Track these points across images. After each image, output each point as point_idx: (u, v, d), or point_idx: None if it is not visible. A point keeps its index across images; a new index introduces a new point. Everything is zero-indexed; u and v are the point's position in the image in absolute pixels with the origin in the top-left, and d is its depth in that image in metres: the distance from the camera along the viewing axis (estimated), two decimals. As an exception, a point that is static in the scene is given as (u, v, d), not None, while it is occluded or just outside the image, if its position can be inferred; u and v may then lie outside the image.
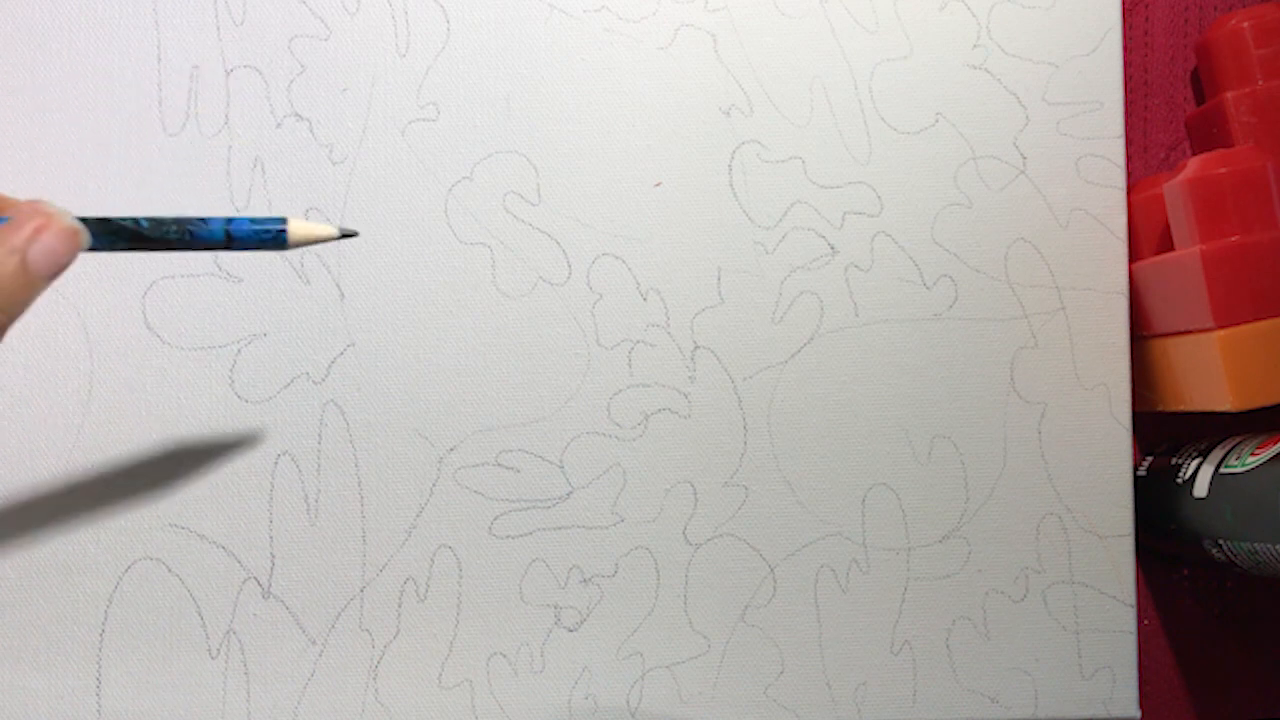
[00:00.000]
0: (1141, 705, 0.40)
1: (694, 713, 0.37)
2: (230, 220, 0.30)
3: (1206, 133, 0.40)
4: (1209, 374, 0.36)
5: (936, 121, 0.38)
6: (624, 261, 0.38)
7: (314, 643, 0.36)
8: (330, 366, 0.37)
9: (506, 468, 0.37)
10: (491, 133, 0.38)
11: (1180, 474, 0.38)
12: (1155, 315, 0.38)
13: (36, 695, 0.36)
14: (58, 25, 0.37)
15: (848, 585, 0.38)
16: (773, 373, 0.38)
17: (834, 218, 0.38)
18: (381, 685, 0.36)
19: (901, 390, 0.38)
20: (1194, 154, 0.42)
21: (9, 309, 0.27)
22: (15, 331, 0.36)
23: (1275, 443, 0.35)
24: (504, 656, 0.37)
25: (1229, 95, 0.39)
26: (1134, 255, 0.39)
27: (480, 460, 0.37)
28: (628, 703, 0.37)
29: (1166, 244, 0.39)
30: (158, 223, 0.30)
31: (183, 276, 0.37)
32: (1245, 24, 0.39)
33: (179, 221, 0.30)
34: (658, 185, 0.38)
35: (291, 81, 0.37)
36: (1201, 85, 0.42)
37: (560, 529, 0.37)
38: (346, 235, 0.32)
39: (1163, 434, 0.41)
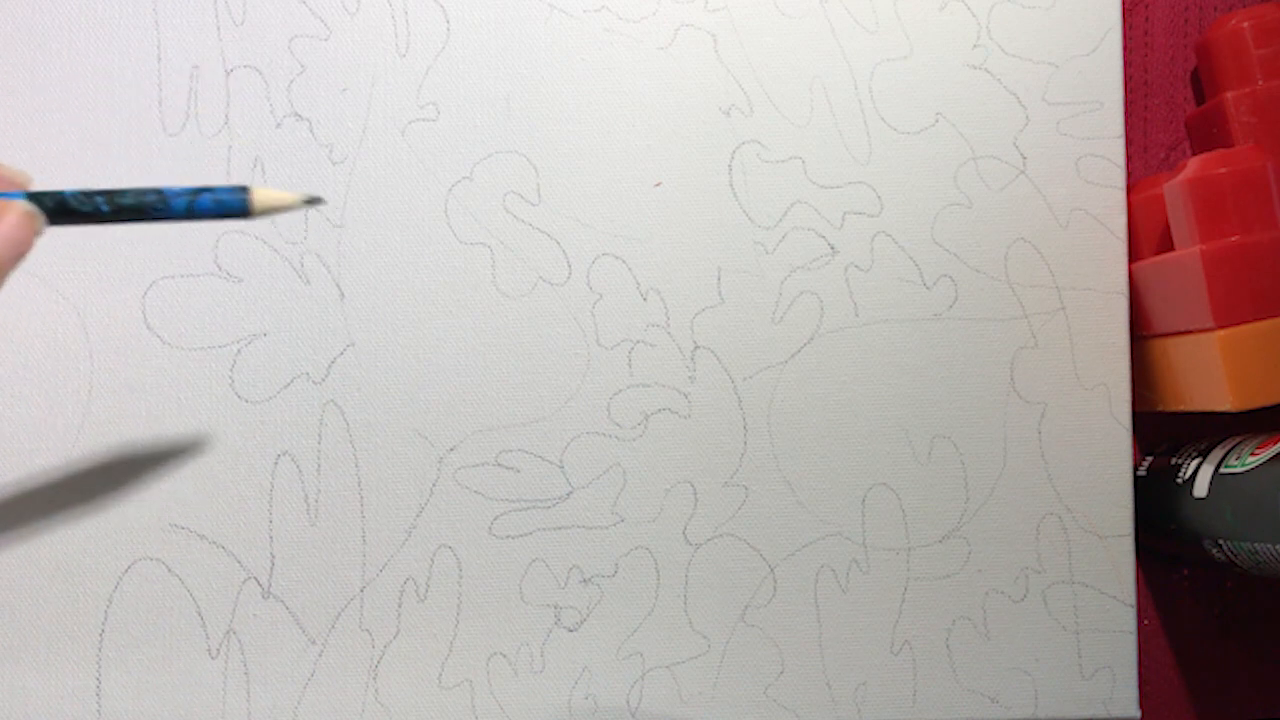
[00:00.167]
0: (1141, 705, 0.40)
1: (694, 713, 0.37)
2: (193, 194, 0.30)
3: (1206, 133, 0.40)
4: (1209, 374, 0.36)
5: (936, 121, 0.38)
6: (624, 261, 0.38)
7: (314, 643, 0.36)
8: (330, 366, 0.37)
9: (506, 468, 0.37)
10: (491, 133, 0.38)
11: (1180, 474, 0.38)
12: (1155, 315, 0.38)
13: (36, 695, 0.36)
14: (58, 25, 0.37)
15: (848, 585, 0.38)
16: (773, 373, 0.38)
17: (834, 218, 0.38)
18: (381, 685, 0.36)
19: (901, 390, 0.38)
20: (1194, 154, 0.42)
21: None
22: (15, 332, 0.36)
23: (1275, 443, 0.35)
24: (504, 656, 0.37)
25: (1229, 95, 0.39)
26: (1134, 255, 0.39)
27: (480, 460, 0.37)
28: (628, 703, 0.37)
29: (1166, 244, 0.39)
30: (115, 201, 0.29)
31: (183, 276, 0.37)
32: (1245, 24, 0.39)
33: (138, 200, 0.29)
34: (658, 185, 0.38)
35: (291, 81, 0.37)
36: (1201, 85, 0.42)
37: (560, 529, 0.37)
38: (311, 203, 0.31)
39: (1163, 434, 0.41)
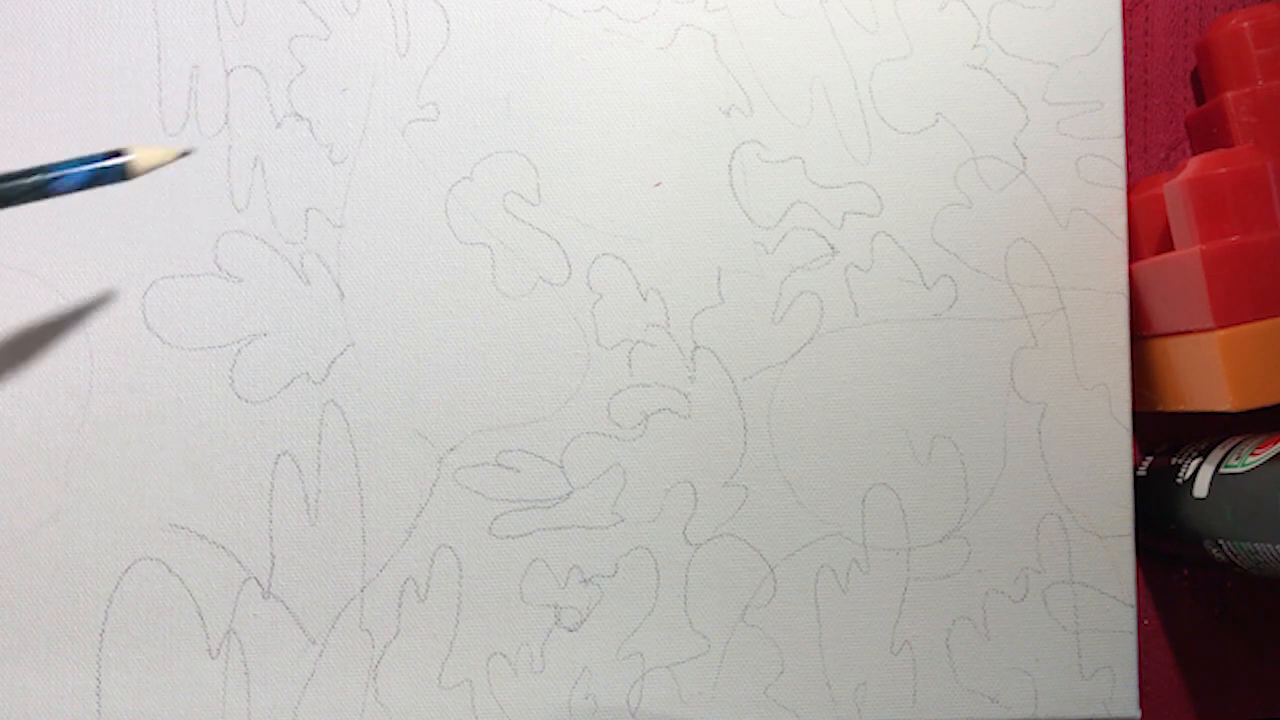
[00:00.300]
0: (1141, 705, 0.40)
1: (694, 713, 0.37)
2: (60, 175, 0.30)
3: (1206, 133, 0.40)
4: (1209, 374, 0.36)
5: (936, 121, 0.39)
6: (624, 261, 0.38)
7: (314, 643, 0.36)
8: (330, 366, 0.37)
9: (506, 468, 0.37)
10: (491, 133, 0.38)
11: (1180, 474, 0.38)
12: (1155, 315, 0.38)
13: (36, 695, 0.36)
14: (58, 25, 0.37)
15: (848, 585, 0.38)
16: (773, 373, 0.38)
17: (834, 218, 0.38)
18: (381, 685, 0.36)
19: (901, 390, 0.38)
20: (1194, 154, 0.42)
21: None
22: (16, 332, 0.36)
23: (1275, 443, 0.35)
24: (504, 656, 0.37)
25: (1229, 95, 0.39)
26: (1134, 255, 0.39)
27: (480, 460, 0.37)
28: (628, 703, 0.37)
29: (1166, 244, 0.39)
30: None
31: (183, 276, 0.37)
32: (1245, 24, 0.39)
33: (5, 185, 0.30)
34: (658, 185, 0.38)
35: (291, 81, 0.37)
36: (1201, 85, 0.42)
37: (560, 529, 0.37)
38: (184, 154, 0.32)
39: (1163, 434, 0.41)
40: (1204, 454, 0.37)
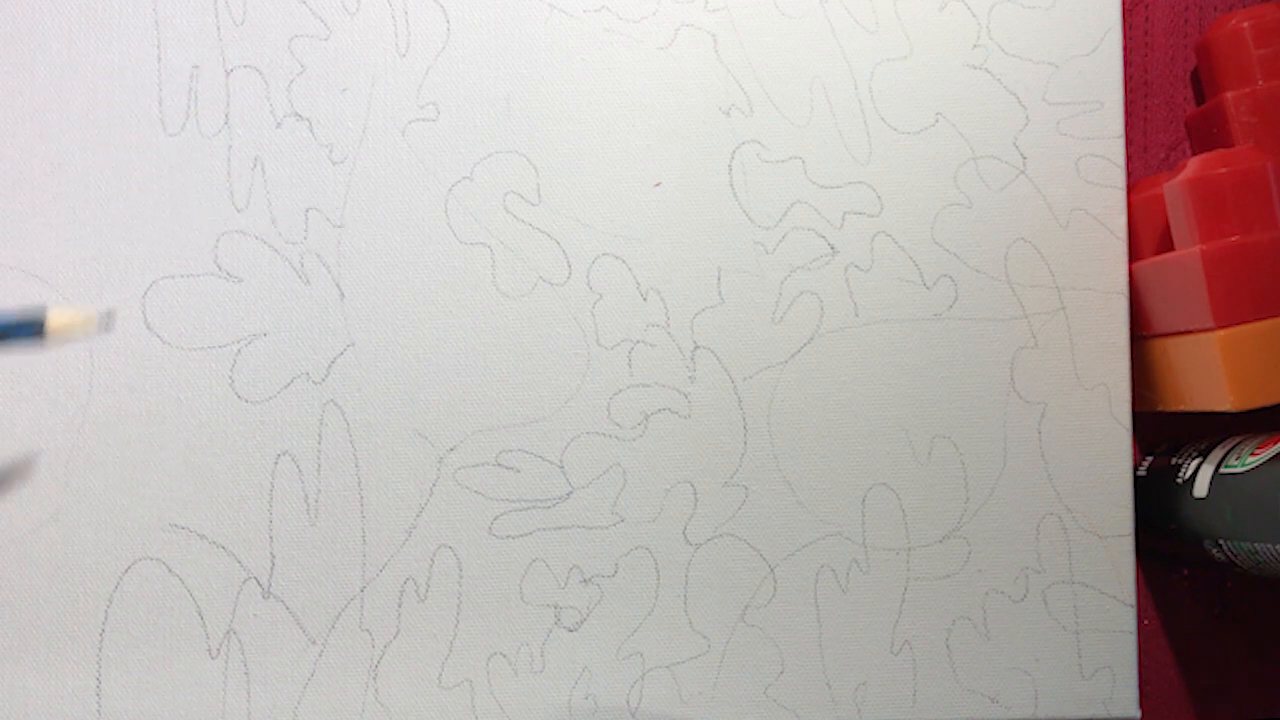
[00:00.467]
0: (1141, 705, 0.40)
1: (694, 713, 0.37)
2: None
3: (1206, 133, 0.40)
4: (1209, 374, 0.36)
5: (936, 121, 0.38)
6: (624, 261, 0.38)
7: (314, 643, 0.36)
8: (330, 366, 0.37)
9: (506, 468, 0.37)
10: (491, 133, 0.38)
11: (1180, 474, 0.38)
12: (1155, 315, 0.38)
13: (36, 695, 0.36)
14: (58, 26, 0.37)
15: (848, 585, 0.38)
16: (773, 373, 0.38)
17: (834, 218, 0.38)
18: (381, 685, 0.36)
19: (901, 390, 0.38)
20: (1194, 154, 0.42)
21: None
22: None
23: (1275, 443, 0.35)
24: (504, 656, 0.37)
25: (1229, 95, 0.39)
26: (1134, 255, 0.39)
27: (480, 460, 0.37)
28: (628, 703, 0.37)
29: (1166, 244, 0.39)
30: None
31: (183, 276, 0.37)
32: (1245, 24, 0.39)
33: None
34: (658, 185, 0.38)
35: (291, 81, 0.37)
36: (1201, 85, 0.42)
37: (560, 529, 0.37)
38: (105, 324, 0.32)
39: (1163, 434, 0.41)
40: (1204, 454, 0.37)
